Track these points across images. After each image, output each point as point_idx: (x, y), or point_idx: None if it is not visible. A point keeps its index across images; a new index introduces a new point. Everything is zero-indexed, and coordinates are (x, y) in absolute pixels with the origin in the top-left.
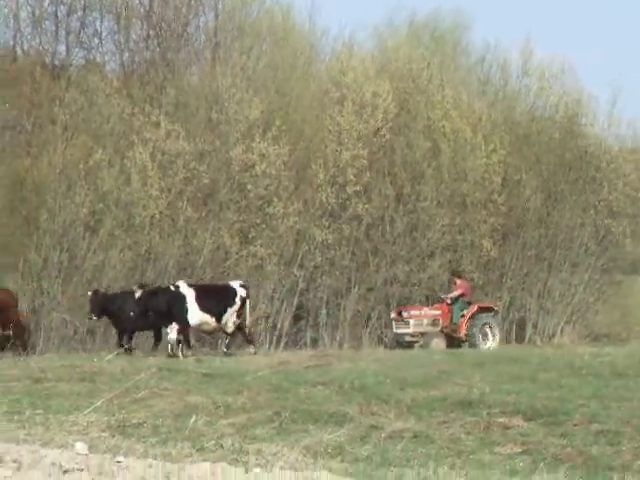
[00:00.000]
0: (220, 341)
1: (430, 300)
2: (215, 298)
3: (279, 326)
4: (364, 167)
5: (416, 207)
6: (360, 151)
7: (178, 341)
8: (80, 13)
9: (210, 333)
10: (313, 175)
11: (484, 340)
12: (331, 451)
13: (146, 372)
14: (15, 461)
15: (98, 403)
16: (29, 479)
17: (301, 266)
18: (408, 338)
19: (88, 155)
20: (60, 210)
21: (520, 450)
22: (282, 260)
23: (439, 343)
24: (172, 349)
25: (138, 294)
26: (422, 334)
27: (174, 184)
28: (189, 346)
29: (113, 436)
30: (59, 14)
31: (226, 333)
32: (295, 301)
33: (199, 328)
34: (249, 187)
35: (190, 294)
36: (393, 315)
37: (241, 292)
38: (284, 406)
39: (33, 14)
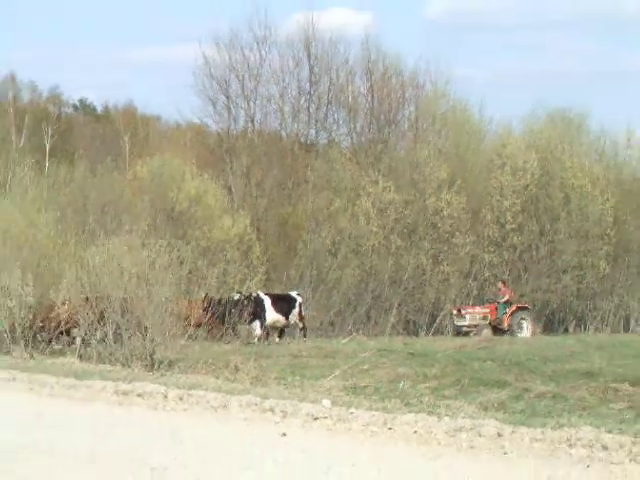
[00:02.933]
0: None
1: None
2: (284, 303)
3: None
4: None
5: None
6: None
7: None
8: (324, 108)
9: (279, 328)
10: None
11: (520, 330)
12: (496, 406)
13: (369, 352)
14: (282, 411)
15: (337, 372)
16: (291, 423)
17: None
18: (465, 329)
19: (329, 204)
20: (311, 242)
21: (627, 406)
22: None
23: (488, 332)
24: (258, 339)
25: (237, 297)
26: (475, 326)
27: (388, 223)
28: (267, 337)
29: (347, 395)
30: (310, 109)
31: (299, 328)
32: None
33: (273, 325)
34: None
35: (267, 301)
36: (454, 312)
37: (299, 299)
38: (463, 375)
39: (293, 109)
